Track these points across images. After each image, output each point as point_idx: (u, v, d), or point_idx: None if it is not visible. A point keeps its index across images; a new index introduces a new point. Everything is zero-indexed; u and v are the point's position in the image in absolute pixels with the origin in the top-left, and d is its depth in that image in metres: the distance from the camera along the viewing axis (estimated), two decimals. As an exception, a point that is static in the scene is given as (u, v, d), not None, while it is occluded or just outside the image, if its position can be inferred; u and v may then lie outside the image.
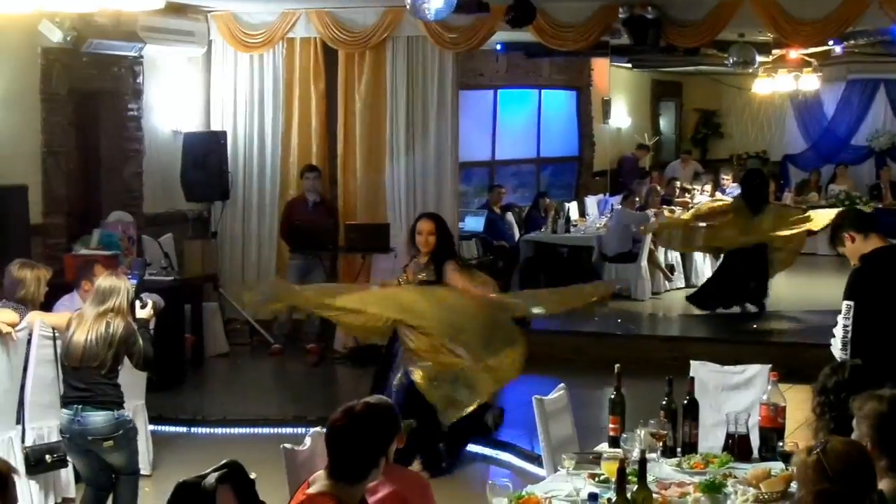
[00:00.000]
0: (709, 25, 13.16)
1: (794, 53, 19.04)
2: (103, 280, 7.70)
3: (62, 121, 12.72)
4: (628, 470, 4.99)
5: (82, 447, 7.60)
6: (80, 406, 7.45)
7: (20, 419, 8.40)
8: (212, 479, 4.70)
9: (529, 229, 17.72)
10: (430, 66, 14.33)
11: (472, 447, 10.26)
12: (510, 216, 18.21)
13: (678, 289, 17.56)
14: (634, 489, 4.87)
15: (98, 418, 7.44)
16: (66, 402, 7.59)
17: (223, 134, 14.47)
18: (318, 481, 4.62)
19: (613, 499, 4.85)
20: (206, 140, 14.23)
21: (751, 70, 18.96)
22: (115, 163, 13.75)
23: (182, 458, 9.69)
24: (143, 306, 7.86)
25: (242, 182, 14.76)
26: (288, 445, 5.41)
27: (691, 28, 13.30)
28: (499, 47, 17.91)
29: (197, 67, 14.83)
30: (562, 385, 6.83)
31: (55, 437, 8.45)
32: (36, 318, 8.42)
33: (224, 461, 4.91)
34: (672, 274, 17.67)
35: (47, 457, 8.33)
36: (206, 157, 13.93)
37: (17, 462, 8.22)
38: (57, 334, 8.43)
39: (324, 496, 4.54)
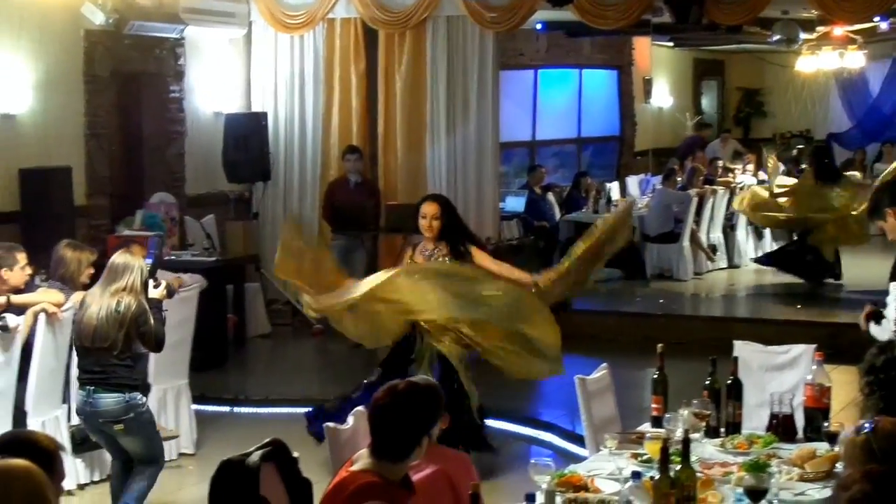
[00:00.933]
0: (752, 3, 13.05)
1: (839, 30, 18.83)
2: (117, 256, 7.57)
3: (105, 103, 12.79)
4: (671, 450, 4.97)
5: (96, 428, 7.58)
6: (92, 388, 7.39)
7: (66, 398, 8.45)
8: (256, 457, 4.71)
9: (570, 209, 17.59)
10: (471, 46, 14.28)
11: (514, 427, 10.26)
12: (551, 196, 18.11)
13: (720, 269, 17.53)
14: (678, 469, 4.85)
15: (109, 400, 7.36)
16: (80, 383, 7.53)
17: (264, 115, 14.48)
18: (361, 459, 4.64)
19: (656, 478, 4.83)
20: (248, 121, 14.24)
21: (795, 48, 18.79)
22: (158, 144, 13.81)
23: (225, 438, 9.74)
24: (157, 286, 7.72)
25: (283, 163, 14.77)
26: (331, 424, 5.43)
27: (734, 5, 13.19)
28: (539, 27, 17.75)
29: (238, 49, 14.85)
30: (604, 365, 6.81)
31: (100, 417, 8.55)
32: (81, 297, 8.46)
33: (267, 440, 4.92)
34: (714, 254, 17.55)
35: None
36: (247, 138, 13.95)
37: (63, 440, 8.29)
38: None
39: (366, 473, 4.56)
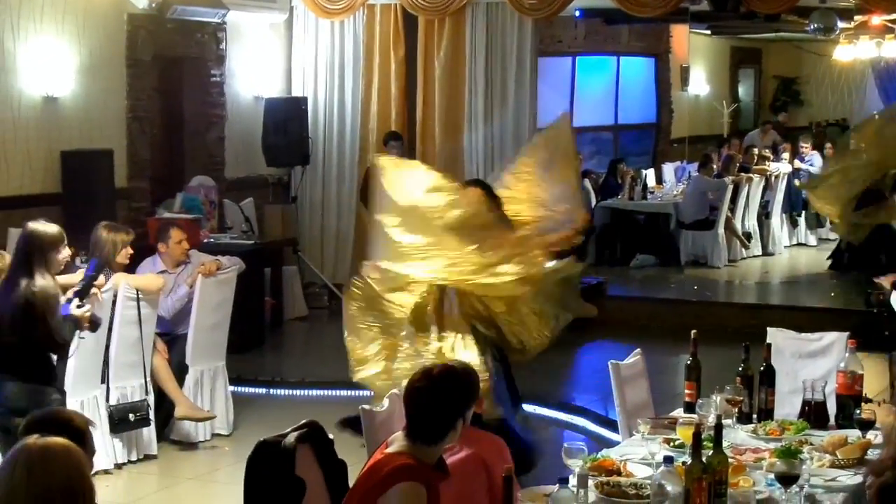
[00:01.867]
0: (790, -8, 12.97)
1: (877, 19, 18.64)
2: None
3: (146, 86, 12.81)
4: (704, 435, 4.95)
5: None
6: None
7: (104, 379, 8.49)
8: (292, 437, 4.73)
9: (605, 196, 17.53)
10: (510, 33, 14.22)
11: (546, 412, 10.26)
12: (587, 183, 18.00)
13: (755, 256, 17.51)
14: (710, 454, 4.84)
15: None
16: None
17: (304, 100, 14.48)
18: (397, 441, 4.64)
19: (689, 462, 4.82)
20: (287, 106, 14.22)
21: (832, 37, 18.60)
22: (198, 128, 13.82)
23: (261, 419, 9.75)
24: (80, 307, 7.16)
25: (322, 147, 14.76)
26: (366, 406, 5.44)
27: (772, -6, 13.11)
28: (577, 14, 17.67)
29: (279, 34, 14.84)
30: (638, 350, 6.79)
31: (138, 397, 8.59)
32: (121, 279, 8.51)
33: (303, 421, 4.94)
34: (749, 241, 17.50)
35: (130, 415, 8.47)
36: (286, 122, 13.92)
37: (102, 420, 8.34)
38: (140, 295, 8.54)
39: (401, 456, 4.56)
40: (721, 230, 16.76)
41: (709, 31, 22.11)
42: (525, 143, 14.14)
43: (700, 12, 15.42)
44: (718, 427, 4.86)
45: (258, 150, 14.00)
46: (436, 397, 4.62)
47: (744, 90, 26.19)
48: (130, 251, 8.67)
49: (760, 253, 17.76)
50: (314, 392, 10.87)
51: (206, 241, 12.01)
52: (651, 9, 13.43)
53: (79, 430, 3.97)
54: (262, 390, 10.97)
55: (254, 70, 14.44)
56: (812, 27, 16.24)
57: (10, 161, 11.27)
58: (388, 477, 4.48)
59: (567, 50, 19.93)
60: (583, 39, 20.01)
